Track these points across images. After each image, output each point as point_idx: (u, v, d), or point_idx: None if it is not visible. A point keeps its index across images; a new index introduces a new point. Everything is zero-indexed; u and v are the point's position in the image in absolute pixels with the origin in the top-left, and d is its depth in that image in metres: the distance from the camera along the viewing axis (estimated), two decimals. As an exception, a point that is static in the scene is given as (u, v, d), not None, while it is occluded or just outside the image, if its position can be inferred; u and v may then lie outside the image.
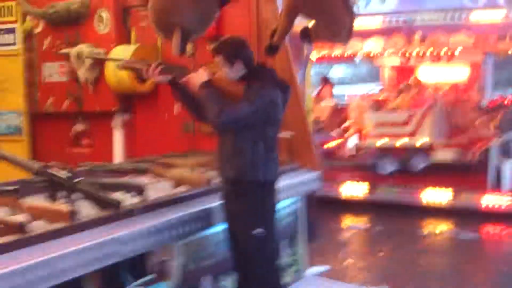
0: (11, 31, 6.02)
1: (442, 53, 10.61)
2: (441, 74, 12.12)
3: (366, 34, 9.51)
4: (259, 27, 4.97)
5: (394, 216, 8.26)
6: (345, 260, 6.41)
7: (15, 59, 5.99)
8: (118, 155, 5.67)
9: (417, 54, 10.77)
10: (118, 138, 5.70)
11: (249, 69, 3.34)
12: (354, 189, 9.05)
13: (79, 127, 5.90)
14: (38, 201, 2.98)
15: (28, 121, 6.01)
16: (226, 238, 3.46)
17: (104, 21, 5.59)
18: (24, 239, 2.50)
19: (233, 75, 3.32)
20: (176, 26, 2.79)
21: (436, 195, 8.56)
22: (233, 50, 3.33)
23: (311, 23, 3.94)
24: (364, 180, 9.07)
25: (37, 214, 2.73)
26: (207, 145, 5.18)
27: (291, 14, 3.81)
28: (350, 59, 12.64)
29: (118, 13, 5.59)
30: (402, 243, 7.10)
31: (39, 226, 2.66)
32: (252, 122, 3.21)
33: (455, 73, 12.20)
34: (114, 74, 5.26)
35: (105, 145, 5.76)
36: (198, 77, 3.28)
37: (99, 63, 5.46)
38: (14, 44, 6.01)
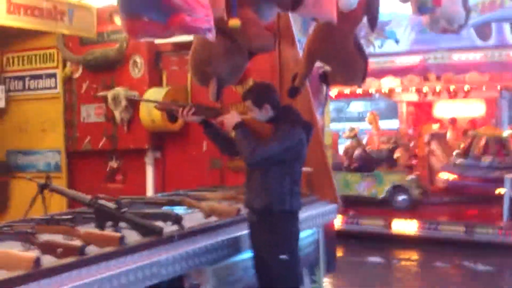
0: (52, 76, 6.54)
1: (458, 90, 10.99)
2: (458, 109, 12.47)
3: (382, 72, 9.91)
4: (281, 70, 5.40)
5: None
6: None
7: (56, 101, 6.49)
8: (150, 189, 6.08)
9: (434, 90, 11.16)
10: (149, 174, 6.12)
11: (276, 111, 3.73)
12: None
13: (113, 164, 6.33)
14: (90, 228, 3.37)
15: (66, 159, 6.46)
16: (253, 264, 3.80)
17: (138, 66, 6.08)
18: (83, 261, 2.88)
19: (262, 117, 3.70)
20: (212, 76, 3.19)
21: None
22: (261, 95, 3.72)
23: (328, 68, 4.34)
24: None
25: (90, 240, 3.11)
26: (233, 180, 5.59)
27: (310, 60, 4.21)
28: (368, 95, 13.06)
29: (150, 58, 6.08)
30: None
31: (93, 250, 3.04)
32: (280, 159, 3.59)
33: (472, 108, 12.54)
34: (148, 114, 5.71)
35: (137, 180, 6.19)
36: (231, 119, 3.67)
37: (133, 105, 5.91)
38: (55, 88, 6.52)
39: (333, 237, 5.50)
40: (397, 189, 9.90)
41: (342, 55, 4.08)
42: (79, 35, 6.01)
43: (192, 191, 4.79)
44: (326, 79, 4.37)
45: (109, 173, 6.34)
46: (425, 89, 11.16)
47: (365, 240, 9.09)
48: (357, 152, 10.60)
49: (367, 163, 10.33)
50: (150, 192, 6.03)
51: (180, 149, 6.01)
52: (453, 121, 12.14)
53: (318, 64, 4.38)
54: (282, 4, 3.18)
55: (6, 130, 6.77)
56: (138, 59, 6.08)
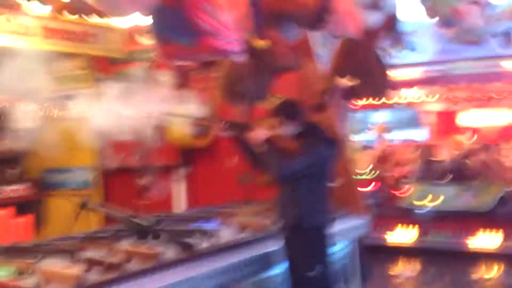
0: (85, 95, 6.72)
1: (484, 98, 10.93)
2: (485, 118, 12.40)
3: (405, 84, 9.92)
4: (302, 85, 5.50)
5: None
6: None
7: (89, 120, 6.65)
8: (179, 205, 6.22)
9: (461, 99, 11.12)
10: (180, 190, 6.25)
11: (303, 127, 3.83)
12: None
13: (144, 181, 6.48)
14: (129, 245, 3.50)
15: (100, 176, 6.64)
16: (286, 278, 3.89)
17: (166, 84, 6.23)
18: (124, 276, 3.01)
19: (289, 132, 3.82)
20: (241, 94, 3.32)
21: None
22: (288, 112, 3.83)
23: (353, 82, 4.44)
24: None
25: (130, 255, 3.24)
26: (262, 195, 5.68)
27: (336, 75, 4.33)
28: (391, 105, 13.05)
29: (177, 75, 6.22)
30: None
31: (133, 266, 3.17)
32: (307, 174, 3.69)
33: (499, 117, 12.44)
34: (177, 132, 5.86)
35: (167, 196, 6.33)
36: (259, 134, 3.79)
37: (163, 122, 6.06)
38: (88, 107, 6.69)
39: (366, 250, 5.56)
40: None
41: (367, 69, 4.18)
42: (108, 56, 6.20)
43: (222, 207, 4.91)
44: (351, 94, 4.47)
45: (141, 189, 6.49)
46: (450, 98, 11.12)
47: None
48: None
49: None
50: (180, 208, 6.16)
51: (209, 165, 6.14)
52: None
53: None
54: (306, 24, 3.29)
55: (42, 149, 6.96)
56: (166, 77, 6.23)
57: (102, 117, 6.59)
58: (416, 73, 9.81)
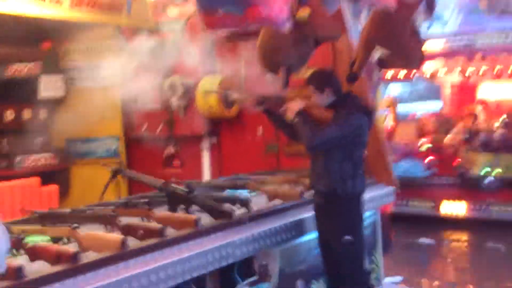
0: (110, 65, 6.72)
1: (503, 71, 10.80)
2: (503, 91, 12.28)
3: (429, 55, 9.81)
4: (334, 56, 5.47)
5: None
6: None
7: (113, 90, 6.68)
8: (206, 174, 6.26)
9: (478, 71, 11.00)
10: (206, 159, 6.29)
11: (337, 96, 3.83)
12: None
13: (170, 149, 6.52)
14: (164, 211, 3.54)
15: (124, 145, 6.68)
16: (318, 245, 3.92)
17: (193, 55, 6.21)
18: (164, 242, 3.05)
19: (323, 102, 3.81)
20: (281, 64, 3.31)
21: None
22: (323, 80, 3.83)
23: (386, 53, 4.39)
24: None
25: (167, 222, 3.27)
26: (289, 164, 5.72)
27: (368, 46, 4.27)
28: (408, 77, 12.94)
29: (205, 47, 6.20)
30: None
31: (171, 232, 3.20)
32: (340, 144, 3.69)
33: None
34: (204, 101, 5.87)
35: (193, 166, 6.37)
36: (294, 106, 3.78)
37: (189, 92, 6.08)
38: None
39: (388, 219, 5.58)
40: None
41: (400, 41, 4.12)
42: (138, 26, 6.18)
43: (252, 175, 4.94)
44: (383, 64, 4.43)
45: (166, 158, 6.54)
46: (469, 70, 11.00)
47: None
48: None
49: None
50: (206, 177, 6.20)
51: (236, 134, 6.16)
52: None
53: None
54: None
55: (66, 118, 7.02)
56: (193, 49, 6.21)
57: (128, 85, 6.65)
58: (437, 44, 9.69)
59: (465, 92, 12.98)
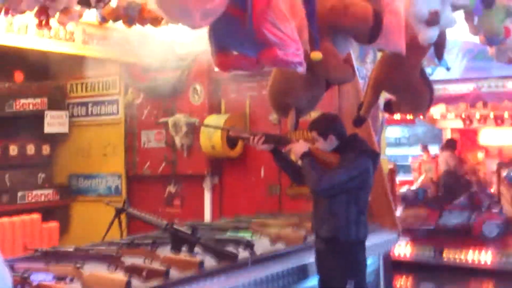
0: (114, 102, 6.76)
1: (505, 117, 10.85)
2: (504, 137, 12.30)
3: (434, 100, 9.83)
4: (340, 99, 5.48)
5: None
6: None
7: (117, 126, 6.70)
8: (208, 214, 6.20)
9: (480, 117, 11.04)
10: (207, 199, 6.24)
11: (342, 140, 3.80)
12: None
13: (172, 188, 6.47)
14: (167, 252, 3.48)
15: (126, 183, 6.64)
16: (320, 291, 3.85)
17: (198, 93, 6.25)
18: (168, 284, 3.00)
19: (327, 147, 3.78)
20: (291, 106, 3.30)
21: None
22: (326, 126, 3.81)
23: (394, 97, 4.39)
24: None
25: (171, 263, 3.22)
26: (291, 207, 5.66)
27: (376, 89, 4.26)
28: (406, 120, 12.96)
29: (210, 85, 6.23)
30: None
31: (174, 274, 3.14)
32: (346, 188, 3.66)
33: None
34: (209, 140, 5.85)
35: (194, 205, 6.31)
36: (299, 147, 3.76)
37: (193, 131, 6.07)
38: (116, 113, 6.74)
39: (391, 265, 5.51)
40: None
41: (409, 85, 4.12)
42: (144, 63, 6.21)
43: (253, 217, 4.88)
44: (390, 108, 4.42)
45: (168, 197, 6.49)
46: (475, 115, 11.05)
47: None
48: None
49: None
50: (207, 217, 6.14)
51: (239, 175, 6.12)
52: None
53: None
54: (360, 37, 3.27)
55: (68, 154, 7.00)
56: (198, 87, 6.25)
57: (132, 124, 6.66)
58: (445, 90, 9.73)
59: (467, 137, 13.02)
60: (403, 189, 10.06)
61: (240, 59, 2.62)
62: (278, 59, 2.51)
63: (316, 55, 2.81)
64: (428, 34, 3.00)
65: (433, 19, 2.94)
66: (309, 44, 2.78)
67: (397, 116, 10.99)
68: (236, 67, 2.68)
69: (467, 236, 8.95)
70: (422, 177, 10.97)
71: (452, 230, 9.15)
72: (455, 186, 9.97)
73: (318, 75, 3.19)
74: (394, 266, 7.49)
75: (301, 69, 2.54)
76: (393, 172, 7.00)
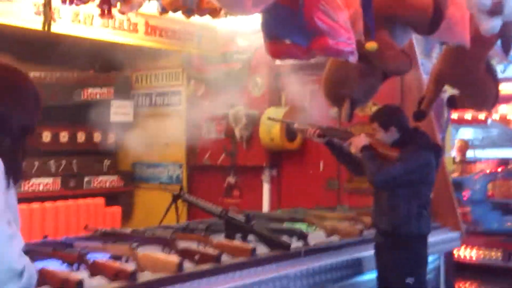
0: (177, 93, 6.90)
1: None
2: None
3: (505, 99, 9.50)
4: (403, 92, 5.38)
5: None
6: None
7: (179, 117, 6.84)
8: (265, 206, 6.23)
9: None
10: (266, 191, 6.27)
11: (403, 133, 3.74)
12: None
13: (231, 179, 6.55)
14: (221, 238, 3.53)
15: (187, 172, 6.77)
16: (376, 285, 3.80)
17: (258, 85, 6.28)
18: (219, 268, 3.04)
19: (387, 139, 3.73)
20: (346, 97, 3.27)
21: None
22: (388, 118, 3.75)
23: (456, 91, 4.27)
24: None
25: (224, 249, 3.26)
26: (349, 201, 5.61)
27: (439, 83, 4.17)
28: (482, 121, 12.52)
29: (271, 78, 6.26)
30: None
31: (226, 259, 3.19)
32: (406, 181, 3.59)
33: None
34: (268, 133, 5.88)
35: (253, 196, 6.36)
36: (359, 141, 3.73)
37: (253, 123, 6.11)
38: (179, 104, 6.88)
39: (453, 266, 5.37)
40: None
41: (473, 80, 4.00)
42: (205, 55, 6.32)
43: (311, 210, 4.87)
44: (454, 103, 4.31)
45: (227, 188, 6.57)
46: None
47: None
48: None
49: None
50: (265, 208, 6.17)
51: (297, 168, 6.12)
52: None
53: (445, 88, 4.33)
54: (419, 28, 3.20)
55: (132, 143, 7.19)
56: (259, 79, 6.28)
57: (194, 115, 6.78)
58: (512, 88, 9.37)
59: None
60: None
61: (291, 48, 2.64)
62: (329, 48, 2.50)
63: (371, 45, 2.77)
64: (490, 24, 2.89)
65: (496, 9, 2.84)
66: (364, 34, 2.76)
67: (468, 116, 10.68)
68: (288, 56, 2.70)
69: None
70: None
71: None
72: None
73: (374, 66, 3.14)
74: (458, 269, 7.44)
75: (353, 59, 2.52)
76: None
